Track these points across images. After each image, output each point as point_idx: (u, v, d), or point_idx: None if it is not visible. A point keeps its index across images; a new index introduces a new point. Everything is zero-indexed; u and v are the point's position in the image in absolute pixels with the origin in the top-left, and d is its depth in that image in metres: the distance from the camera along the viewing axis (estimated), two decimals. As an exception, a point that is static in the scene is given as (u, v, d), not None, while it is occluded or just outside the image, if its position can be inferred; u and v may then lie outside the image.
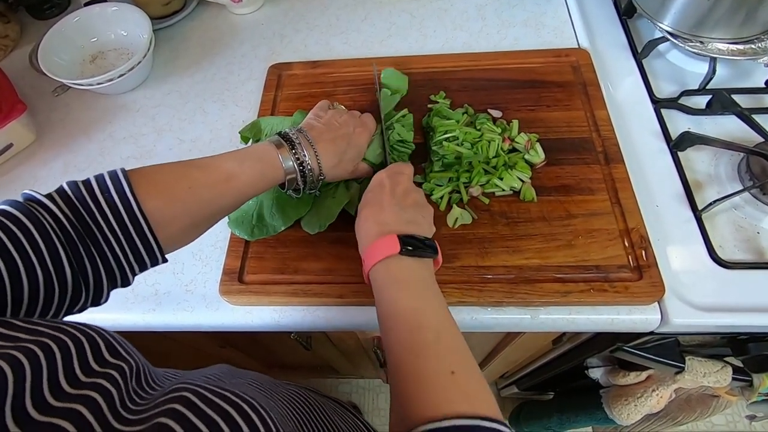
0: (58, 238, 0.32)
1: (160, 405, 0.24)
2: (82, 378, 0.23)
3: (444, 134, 0.56)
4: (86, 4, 0.79)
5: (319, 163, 0.47)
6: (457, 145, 0.56)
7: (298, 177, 0.46)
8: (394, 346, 0.36)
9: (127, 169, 0.37)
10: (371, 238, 0.42)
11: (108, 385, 0.23)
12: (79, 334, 0.24)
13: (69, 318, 0.33)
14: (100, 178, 0.36)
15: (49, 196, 0.34)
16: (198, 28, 0.82)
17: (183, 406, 0.23)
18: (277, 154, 0.44)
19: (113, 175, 0.36)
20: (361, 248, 0.43)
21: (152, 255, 0.38)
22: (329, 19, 0.80)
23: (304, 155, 0.45)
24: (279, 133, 0.46)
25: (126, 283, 0.38)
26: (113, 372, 0.24)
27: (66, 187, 0.35)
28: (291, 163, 0.45)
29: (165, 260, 0.39)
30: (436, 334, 0.36)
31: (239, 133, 0.59)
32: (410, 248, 0.40)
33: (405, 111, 0.61)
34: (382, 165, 0.55)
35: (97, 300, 0.37)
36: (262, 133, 0.59)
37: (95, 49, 0.77)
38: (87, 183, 0.35)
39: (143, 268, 0.38)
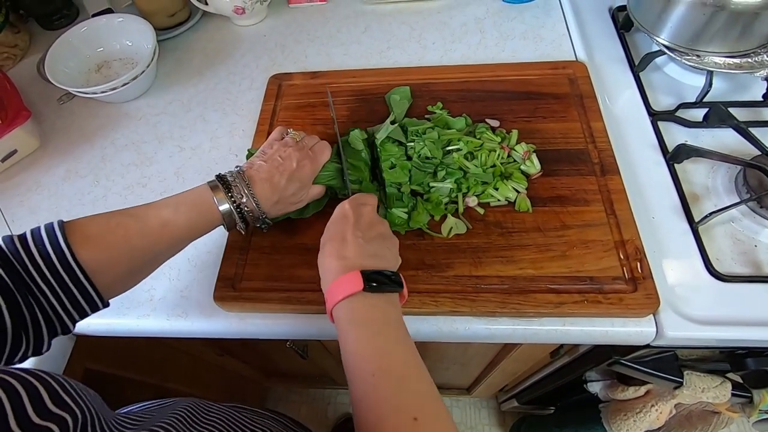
0: None
1: None
2: None
3: (417, 146, 0.57)
4: (94, 15, 0.81)
5: (256, 203, 0.46)
6: (465, 157, 0.56)
7: (237, 218, 0.46)
8: (356, 389, 0.35)
9: (64, 220, 0.38)
10: (334, 275, 0.40)
11: None
12: (15, 383, 0.23)
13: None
14: (35, 231, 0.37)
15: None
16: (202, 39, 0.83)
17: None
18: (212, 198, 0.44)
19: (49, 227, 0.37)
20: (324, 285, 0.42)
21: (91, 302, 0.38)
22: (330, 30, 0.81)
23: (241, 197, 0.45)
24: (217, 175, 0.47)
25: (66, 330, 0.39)
26: (53, 426, 0.23)
27: (0, 242, 0.36)
28: (227, 205, 0.45)
29: (107, 305, 0.40)
30: (399, 379, 0.35)
31: (248, 150, 0.59)
32: (374, 284, 0.39)
33: (428, 124, 0.59)
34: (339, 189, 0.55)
35: (39, 349, 0.37)
36: None
37: (101, 58, 0.79)
38: (22, 236, 0.37)
39: (83, 315, 0.39)
